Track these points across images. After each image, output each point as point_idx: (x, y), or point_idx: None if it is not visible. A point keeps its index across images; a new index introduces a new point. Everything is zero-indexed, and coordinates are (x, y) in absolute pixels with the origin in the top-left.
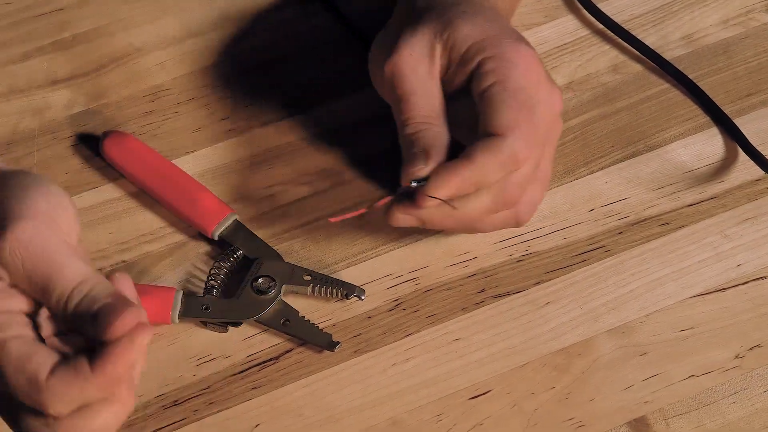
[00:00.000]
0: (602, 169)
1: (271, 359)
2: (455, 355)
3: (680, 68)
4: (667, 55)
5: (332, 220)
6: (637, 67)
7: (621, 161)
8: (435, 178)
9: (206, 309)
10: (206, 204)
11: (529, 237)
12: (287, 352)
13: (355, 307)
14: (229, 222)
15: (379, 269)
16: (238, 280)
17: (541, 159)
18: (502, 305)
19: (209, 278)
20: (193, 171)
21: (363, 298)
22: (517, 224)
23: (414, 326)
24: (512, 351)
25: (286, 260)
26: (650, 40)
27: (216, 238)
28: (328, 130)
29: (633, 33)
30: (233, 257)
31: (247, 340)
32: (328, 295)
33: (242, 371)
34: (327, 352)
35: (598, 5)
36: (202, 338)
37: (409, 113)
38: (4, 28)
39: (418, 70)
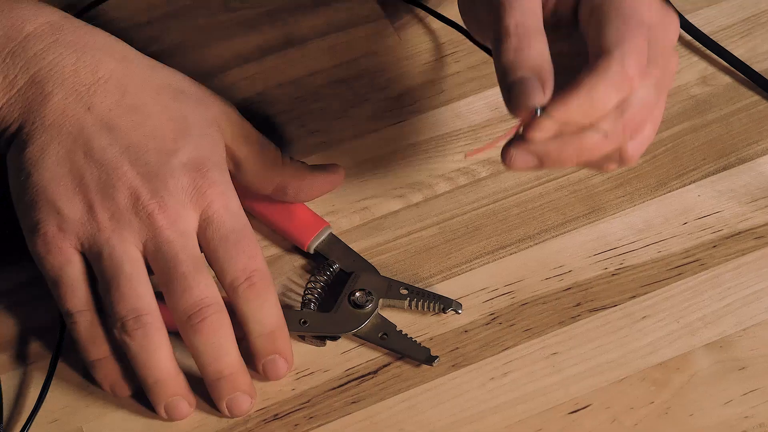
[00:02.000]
0: (694, 182)
1: (369, 373)
2: (553, 369)
3: None
4: (757, 67)
5: (469, 155)
6: (726, 79)
7: (713, 174)
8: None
9: (304, 323)
10: (301, 217)
11: (624, 250)
12: (385, 366)
13: (451, 321)
14: (325, 235)
15: (475, 283)
16: (334, 294)
17: (660, 88)
18: (598, 319)
19: (306, 292)
20: None
21: (460, 311)
22: (623, 162)
23: (511, 340)
24: (610, 365)
25: (381, 274)
26: (739, 52)
27: (311, 252)
28: (419, 142)
29: (721, 44)
30: (329, 271)
31: (344, 354)
32: (425, 309)
33: (341, 385)
34: (424, 366)
35: (685, 16)
36: (299, 352)
37: (508, 21)
38: None
39: None
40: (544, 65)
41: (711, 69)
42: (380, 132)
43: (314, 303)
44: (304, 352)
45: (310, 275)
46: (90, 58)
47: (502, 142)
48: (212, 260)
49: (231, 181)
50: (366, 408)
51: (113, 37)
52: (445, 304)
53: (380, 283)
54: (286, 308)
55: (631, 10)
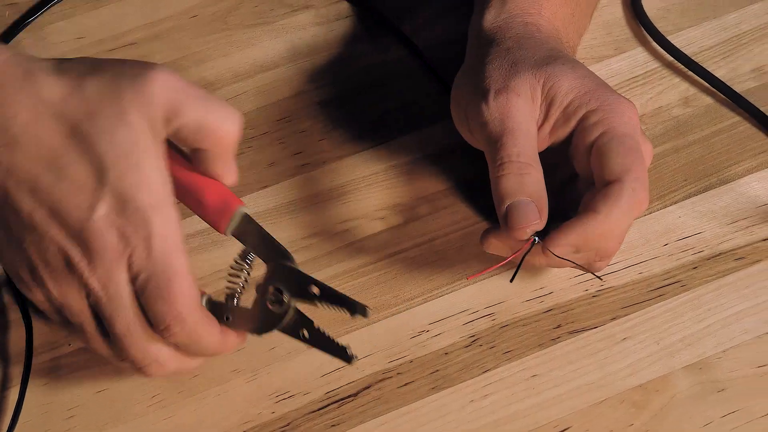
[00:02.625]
0: (675, 203)
1: (349, 396)
2: (533, 391)
3: (752, 101)
4: (738, 88)
5: (470, 278)
6: (708, 100)
7: (694, 195)
8: (564, 235)
9: (227, 319)
10: (214, 197)
11: (605, 272)
12: (366, 388)
13: (431, 343)
14: (238, 218)
15: (456, 304)
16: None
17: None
18: (578, 341)
19: (228, 283)
20: (267, 206)
21: (367, 316)
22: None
23: (491, 362)
24: (590, 387)
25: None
26: (721, 73)
27: (228, 236)
28: (400, 164)
29: (703, 65)
30: (247, 262)
31: (325, 377)
32: (334, 310)
33: (321, 408)
34: (405, 389)
35: (667, 37)
36: (280, 375)
37: (511, 150)
38: None
39: (523, 110)
40: (541, 193)
41: (692, 90)
42: (362, 154)
43: (237, 296)
44: (284, 375)
45: (230, 266)
46: (1, 115)
47: (501, 265)
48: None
49: (160, 205)
50: (346, 431)
51: (19, 67)
52: (351, 309)
53: (292, 280)
54: (214, 303)
55: (631, 140)
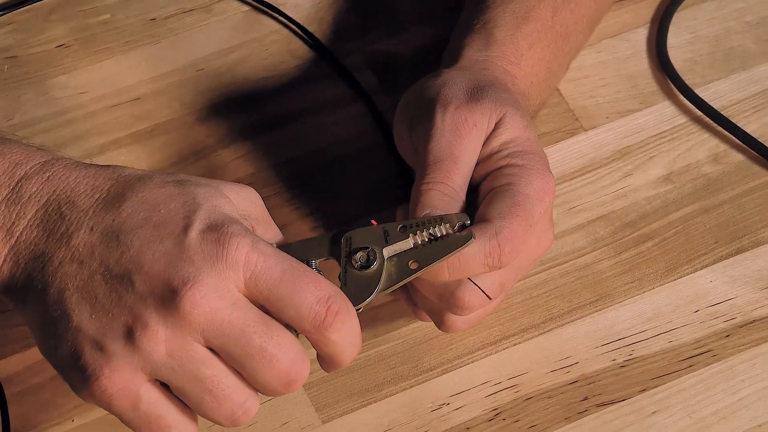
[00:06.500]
0: (706, 266)
1: None
2: None
3: None
4: None
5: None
6: (739, 157)
7: (725, 258)
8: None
9: None
10: None
11: (633, 340)
12: None
13: (452, 416)
14: None
15: (477, 376)
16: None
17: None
18: (606, 414)
19: None
20: None
21: (468, 224)
22: (440, 324)
23: None
24: None
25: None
26: (752, 128)
27: None
28: None
29: (733, 120)
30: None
31: None
32: (435, 234)
33: None
34: None
35: (695, 90)
36: None
37: (446, 176)
38: (79, 119)
39: (474, 141)
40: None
41: (722, 146)
42: (376, 215)
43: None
44: None
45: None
46: (84, 185)
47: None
48: (279, 311)
49: (251, 230)
50: None
51: (104, 165)
52: (450, 222)
53: (374, 232)
54: None
55: (528, 201)
